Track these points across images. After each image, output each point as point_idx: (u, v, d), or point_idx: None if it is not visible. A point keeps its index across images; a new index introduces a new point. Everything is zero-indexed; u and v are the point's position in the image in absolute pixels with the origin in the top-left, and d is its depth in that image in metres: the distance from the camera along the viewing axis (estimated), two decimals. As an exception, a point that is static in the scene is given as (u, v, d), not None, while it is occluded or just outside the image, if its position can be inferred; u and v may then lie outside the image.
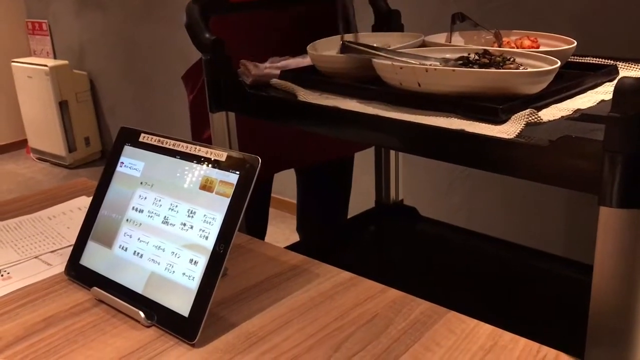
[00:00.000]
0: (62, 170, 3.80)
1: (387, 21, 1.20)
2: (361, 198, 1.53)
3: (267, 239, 1.17)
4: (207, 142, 1.18)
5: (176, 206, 0.69)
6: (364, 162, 1.53)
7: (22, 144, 4.14)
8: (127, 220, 0.73)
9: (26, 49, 4.11)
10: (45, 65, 3.60)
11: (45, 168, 3.86)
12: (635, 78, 0.55)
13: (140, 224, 0.72)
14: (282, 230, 2.52)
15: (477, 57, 0.82)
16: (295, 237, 1.49)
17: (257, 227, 1.29)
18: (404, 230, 1.31)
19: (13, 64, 3.81)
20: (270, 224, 1.38)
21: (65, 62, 3.70)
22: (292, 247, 1.10)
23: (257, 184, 0.64)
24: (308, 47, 0.97)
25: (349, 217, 1.41)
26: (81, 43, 3.77)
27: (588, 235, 0.62)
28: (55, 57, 3.97)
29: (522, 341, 0.61)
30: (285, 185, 1.59)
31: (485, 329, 0.64)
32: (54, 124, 3.70)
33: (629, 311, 0.60)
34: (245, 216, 0.64)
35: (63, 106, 3.68)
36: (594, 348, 0.62)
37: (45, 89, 3.64)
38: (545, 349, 0.60)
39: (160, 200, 0.71)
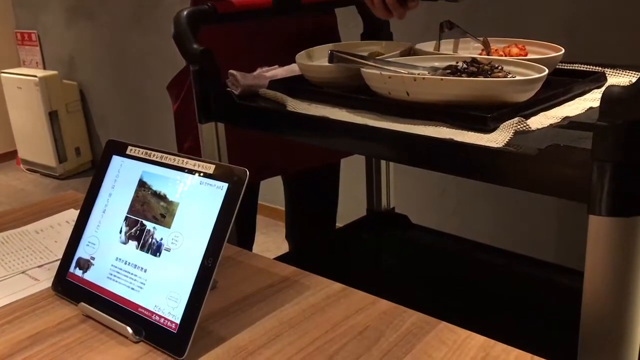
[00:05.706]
0: (53, 181, 3.77)
1: (376, 29, 1.20)
2: (353, 206, 1.53)
3: (260, 247, 1.16)
4: (189, 151, 1.17)
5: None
6: (355, 170, 1.53)
7: (12, 155, 4.11)
8: (114, 234, 0.72)
9: (15, 59, 4.09)
10: (35, 76, 3.58)
11: (36, 179, 3.84)
12: (621, 86, 0.55)
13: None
14: (273, 239, 2.51)
15: (465, 65, 0.82)
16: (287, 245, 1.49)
17: (245, 237, 1.28)
18: (395, 239, 1.31)
19: (2, 74, 3.79)
20: (262, 233, 1.38)
21: (55, 72, 3.68)
22: (283, 258, 1.10)
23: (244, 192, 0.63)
24: (297, 56, 0.97)
25: (340, 225, 1.40)
26: (71, 53, 3.76)
27: (581, 241, 0.62)
28: (44, 68, 3.95)
29: (514, 352, 0.61)
30: (276, 193, 1.58)
31: (477, 340, 0.63)
32: (44, 134, 3.68)
33: (620, 320, 0.59)
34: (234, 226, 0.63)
35: (53, 116, 3.66)
36: (586, 357, 0.61)
37: (35, 99, 3.62)
38: None
39: (148, 214, 0.70)
